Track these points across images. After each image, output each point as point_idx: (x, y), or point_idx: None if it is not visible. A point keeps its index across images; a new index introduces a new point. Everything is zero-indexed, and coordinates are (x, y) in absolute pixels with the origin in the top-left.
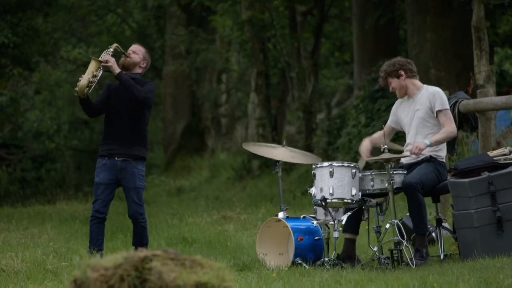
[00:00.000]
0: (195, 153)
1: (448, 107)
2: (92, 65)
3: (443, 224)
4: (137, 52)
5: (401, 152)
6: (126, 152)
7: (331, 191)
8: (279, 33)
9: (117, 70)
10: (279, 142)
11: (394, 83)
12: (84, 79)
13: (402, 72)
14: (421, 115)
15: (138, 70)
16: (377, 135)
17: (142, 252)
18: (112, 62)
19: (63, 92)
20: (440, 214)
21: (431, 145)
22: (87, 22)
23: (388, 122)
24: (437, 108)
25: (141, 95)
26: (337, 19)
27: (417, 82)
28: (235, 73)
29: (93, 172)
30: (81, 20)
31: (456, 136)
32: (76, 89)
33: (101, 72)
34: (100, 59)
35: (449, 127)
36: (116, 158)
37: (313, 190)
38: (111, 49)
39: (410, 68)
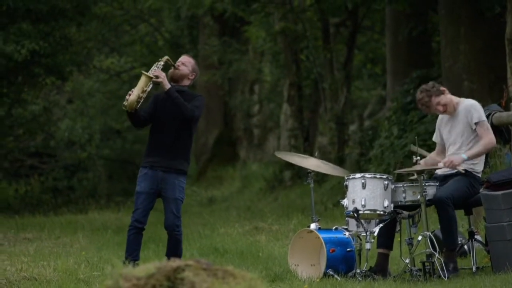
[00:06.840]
0: (227, 164)
1: (485, 118)
2: (142, 81)
3: (475, 236)
4: (186, 64)
5: (424, 156)
6: (168, 165)
7: (363, 203)
8: (312, 44)
9: (167, 86)
10: (311, 153)
11: (443, 100)
12: (134, 95)
13: (442, 88)
14: (460, 130)
15: (186, 82)
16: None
17: (175, 262)
18: (163, 77)
19: (96, 101)
20: (472, 227)
21: (468, 159)
22: (120, 32)
23: (435, 140)
24: (474, 121)
25: (189, 113)
26: (370, 31)
27: (454, 97)
28: (267, 83)
29: (125, 181)
30: (114, 29)
31: None
32: (125, 103)
33: (150, 86)
34: (150, 74)
35: (487, 139)
36: (157, 169)
37: (345, 202)
38: (162, 62)
39: (441, 85)
